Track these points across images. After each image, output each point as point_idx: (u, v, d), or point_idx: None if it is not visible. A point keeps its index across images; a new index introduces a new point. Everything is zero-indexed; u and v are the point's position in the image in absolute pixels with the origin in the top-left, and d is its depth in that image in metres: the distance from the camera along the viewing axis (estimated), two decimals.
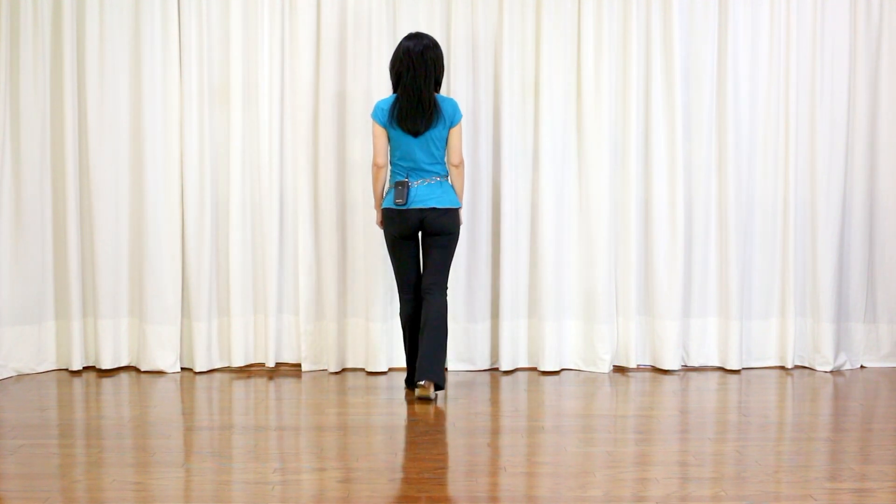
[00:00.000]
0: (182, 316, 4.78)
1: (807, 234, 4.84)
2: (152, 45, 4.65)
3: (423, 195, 4.17)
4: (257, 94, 4.69)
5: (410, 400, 4.22)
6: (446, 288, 4.28)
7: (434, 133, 4.16)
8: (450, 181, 4.24)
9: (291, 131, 4.75)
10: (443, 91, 4.63)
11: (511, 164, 4.72)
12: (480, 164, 4.73)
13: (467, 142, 4.69)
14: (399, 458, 3.42)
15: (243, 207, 4.75)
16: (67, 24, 4.61)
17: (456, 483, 3.15)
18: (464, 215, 4.68)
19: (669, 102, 4.73)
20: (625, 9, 4.72)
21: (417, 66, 4.12)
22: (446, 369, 4.58)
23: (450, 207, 4.20)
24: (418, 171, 4.18)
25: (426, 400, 4.16)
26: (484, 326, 4.79)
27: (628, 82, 4.72)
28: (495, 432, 3.78)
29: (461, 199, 4.28)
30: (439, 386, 4.17)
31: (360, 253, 4.73)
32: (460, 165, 4.24)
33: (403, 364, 4.60)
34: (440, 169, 4.21)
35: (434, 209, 4.16)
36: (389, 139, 4.19)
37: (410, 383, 4.37)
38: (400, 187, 4.14)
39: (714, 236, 4.82)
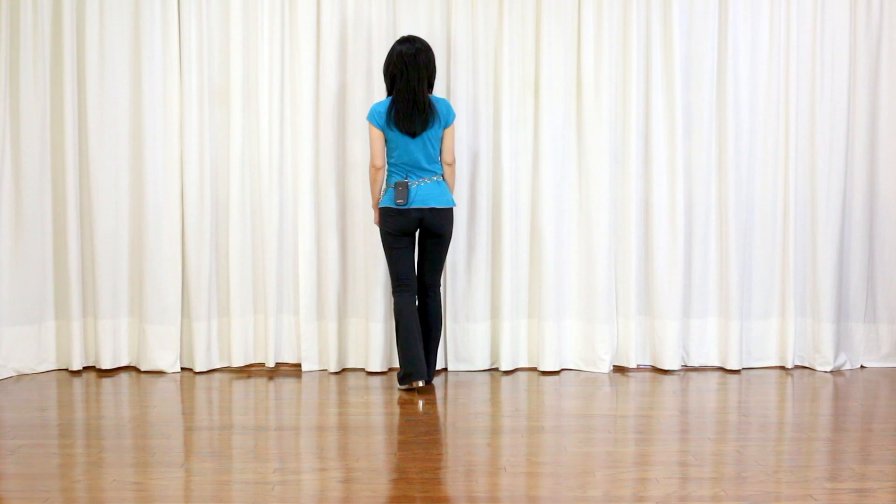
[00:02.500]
0: (182, 316, 4.78)
1: (807, 234, 4.84)
2: (152, 45, 4.65)
3: (424, 195, 4.24)
4: (257, 94, 4.69)
5: (410, 400, 4.22)
6: (440, 285, 4.48)
7: (431, 133, 4.25)
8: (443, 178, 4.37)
9: (291, 131, 4.75)
10: (443, 91, 4.66)
11: (511, 163, 4.72)
12: (480, 163, 4.73)
13: (467, 141, 4.70)
14: (399, 458, 3.42)
15: (243, 207, 4.75)
16: (67, 24, 4.61)
17: (455, 483, 3.15)
18: (464, 215, 4.70)
19: (669, 102, 4.73)
20: (625, 9, 4.72)
21: (411, 68, 4.20)
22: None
23: (448, 207, 4.31)
24: (418, 170, 4.26)
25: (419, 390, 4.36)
26: (484, 326, 4.79)
27: (628, 82, 4.72)
28: (495, 432, 3.78)
29: (453, 196, 4.40)
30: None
31: (360, 253, 4.73)
32: (453, 164, 4.38)
33: None
34: (437, 168, 4.32)
35: (433, 209, 4.26)
36: (387, 141, 4.25)
37: (406, 380, 4.30)
38: (400, 187, 4.20)
39: (714, 236, 4.82)
